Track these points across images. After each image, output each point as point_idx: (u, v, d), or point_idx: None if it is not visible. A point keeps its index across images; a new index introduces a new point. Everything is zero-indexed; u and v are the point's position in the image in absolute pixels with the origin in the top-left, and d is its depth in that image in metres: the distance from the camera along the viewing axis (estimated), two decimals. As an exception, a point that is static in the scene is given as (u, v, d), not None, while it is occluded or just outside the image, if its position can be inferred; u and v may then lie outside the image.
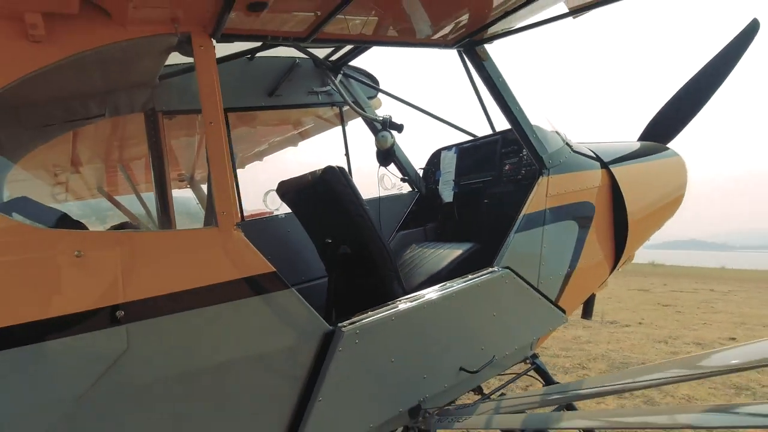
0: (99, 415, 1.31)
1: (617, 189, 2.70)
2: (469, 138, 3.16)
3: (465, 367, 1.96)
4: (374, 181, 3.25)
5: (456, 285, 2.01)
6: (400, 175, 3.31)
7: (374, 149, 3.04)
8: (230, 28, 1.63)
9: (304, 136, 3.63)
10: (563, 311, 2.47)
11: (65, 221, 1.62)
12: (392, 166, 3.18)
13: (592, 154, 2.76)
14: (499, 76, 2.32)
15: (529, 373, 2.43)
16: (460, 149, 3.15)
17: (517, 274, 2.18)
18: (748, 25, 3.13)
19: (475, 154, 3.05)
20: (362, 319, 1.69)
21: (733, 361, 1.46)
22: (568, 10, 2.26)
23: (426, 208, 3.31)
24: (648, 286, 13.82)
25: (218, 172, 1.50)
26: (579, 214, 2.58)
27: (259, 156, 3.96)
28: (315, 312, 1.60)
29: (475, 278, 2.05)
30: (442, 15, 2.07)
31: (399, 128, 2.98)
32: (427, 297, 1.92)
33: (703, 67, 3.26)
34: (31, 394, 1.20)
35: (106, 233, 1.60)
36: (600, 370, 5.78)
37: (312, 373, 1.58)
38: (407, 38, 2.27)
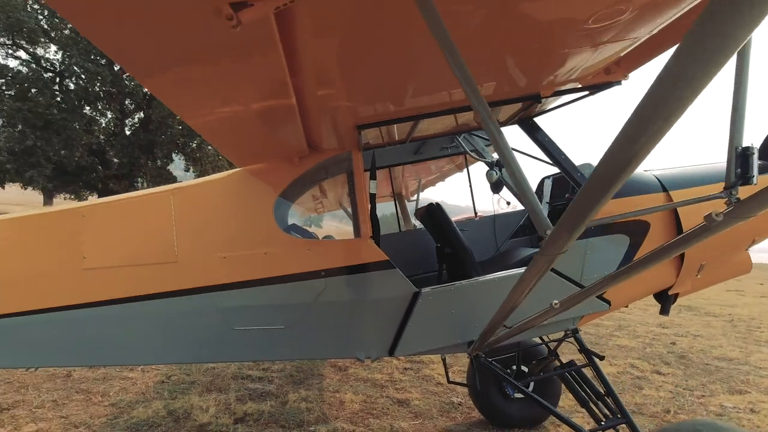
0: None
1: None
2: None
3: (509, 323, 3.13)
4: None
5: (504, 273, 3.19)
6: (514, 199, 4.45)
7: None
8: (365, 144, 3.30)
9: (444, 175, 5.12)
10: (606, 302, 3.30)
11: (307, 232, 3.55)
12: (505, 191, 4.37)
13: (656, 181, 3.44)
14: (545, 136, 3.35)
15: (568, 340, 3.38)
16: (554, 179, 4.12)
17: (555, 272, 3.19)
18: None
19: (561, 183, 3.99)
20: (434, 287, 3.11)
21: None
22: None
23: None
24: None
25: (361, 210, 3.15)
26: (630, 230, 3.35)
27: (423, 188, 5.67)
28: (408, 281, 3.09)
29: (518, 271, 3.20)
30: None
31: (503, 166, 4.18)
32: (481, 279, 3.19)
33: None
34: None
35: (320, 241, 3.45)
36: None
37: (407, 310, 3.08)
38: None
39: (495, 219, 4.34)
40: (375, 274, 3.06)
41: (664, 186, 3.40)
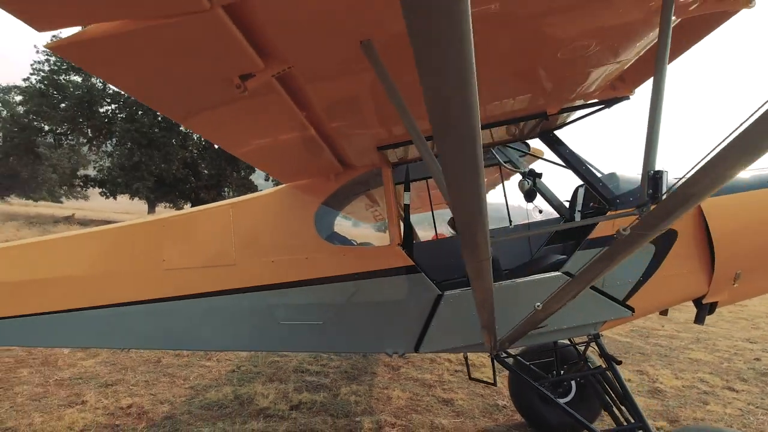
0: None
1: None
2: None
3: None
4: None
5: (522, 279, 3.38)
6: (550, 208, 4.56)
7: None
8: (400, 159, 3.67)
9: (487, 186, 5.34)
10: (629, 308, 3.35)
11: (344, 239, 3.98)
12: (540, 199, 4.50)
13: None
14: (567, 148, 3.49)
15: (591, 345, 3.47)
16: (586, 187, 4.18)
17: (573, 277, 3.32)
18: None
19: (590, 192, 4.06)
20: (456, 291, 3.38)
21: None
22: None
23: (571, 230, 4.46)
24: None
25: (390, 219, 3.51)
26: (656, 238, 3.38)
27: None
28: (432, 283, 3.39)
29: (536, 278, 3.37)
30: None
31: (538, 175, 4.32)
32: (502, 284, 3.39)
33: None
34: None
35: (354, 248, 3.86)
36: None
37: (431, 311, 3.38)
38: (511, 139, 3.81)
39: (529, 227, 4.48)
40: (401, 278, 3.40)
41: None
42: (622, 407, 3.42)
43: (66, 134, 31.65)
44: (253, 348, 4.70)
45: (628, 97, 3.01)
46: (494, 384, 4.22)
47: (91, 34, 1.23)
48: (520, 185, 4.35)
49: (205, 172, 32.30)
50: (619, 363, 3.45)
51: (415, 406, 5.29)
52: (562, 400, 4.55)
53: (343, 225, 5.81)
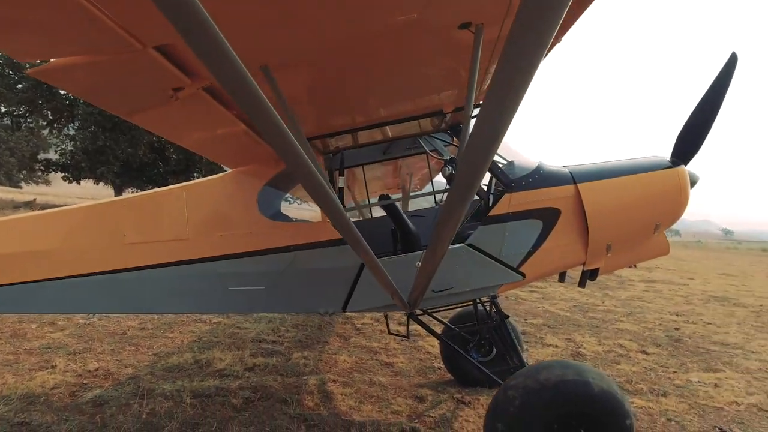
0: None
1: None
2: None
3: (436, 289, 3.97)
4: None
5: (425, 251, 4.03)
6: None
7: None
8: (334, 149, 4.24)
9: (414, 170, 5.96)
10: (521, 274, 4.05)
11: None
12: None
13: (568, 175, 4.15)
14: None
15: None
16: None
17: (475, 248, 4.00)
18: (728, 60, 3.80)
19: None
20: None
21: None
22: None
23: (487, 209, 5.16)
24: None
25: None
26: (544, 215, 4.08)
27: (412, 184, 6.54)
28: (355, 254, 4.01)
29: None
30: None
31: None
32: (409, 255, 4.02)
33: (700, 100, 4.03)
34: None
35: (291, 223, 4.44)
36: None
37: (356, 276, 3.94)
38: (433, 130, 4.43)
39: None
40: (331, 249, 4.00)
41: (574, 179, 4.12)
42: (513, 355, 4.15)
43: (24, 116, 30.76)
44: (204, 311, 5.26)
45: None
46: (407, 337, 4.91)
47: (57, 64, 1.75)
48: (443, 171, 4.99)
49: (174, 156, 32.04)
50: (507, 317, 4.17)
51: (359, 367, 5.96)
52: (486, 358, 5.32)
53: (286, 204, 6.38)
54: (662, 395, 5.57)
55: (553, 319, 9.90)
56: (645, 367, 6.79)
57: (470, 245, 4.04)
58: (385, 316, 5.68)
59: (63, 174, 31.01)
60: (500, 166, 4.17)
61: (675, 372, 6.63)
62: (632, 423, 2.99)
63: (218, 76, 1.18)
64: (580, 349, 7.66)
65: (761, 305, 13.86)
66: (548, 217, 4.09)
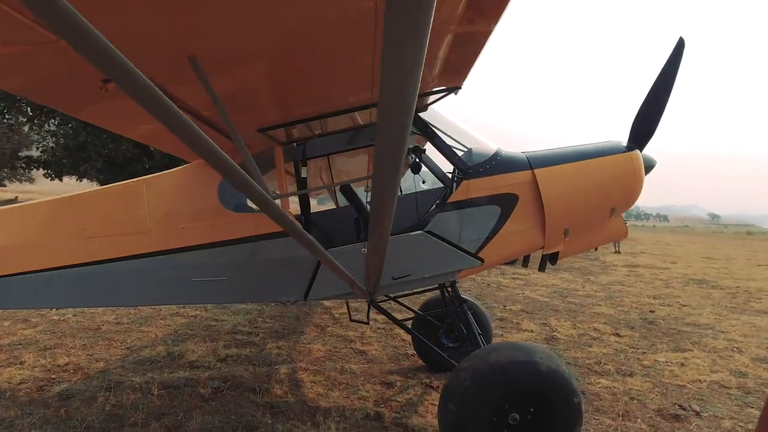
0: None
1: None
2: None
3: (395, 276, 4.03)
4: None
5: (392, 237, 4.08)
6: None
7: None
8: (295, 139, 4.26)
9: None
10: (480, 259, 4.11)
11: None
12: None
13: (525, 161, 4.21)
14: (430, 128, 4.16)
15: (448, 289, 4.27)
16: None
17: (434, 235, 4.05)
18: (676, 45, 3.87)
19: None
20: (334, 249, 4.04)
21: None
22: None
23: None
24: None
25: (282, 191, 4.13)
26: (501, 201, 4.14)
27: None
28: (317, 243, 4.06)
29: (403, 236, 4.07)
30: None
31: (423, 151, 5.02)
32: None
33: (652, 85, 4.09)
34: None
35: (253, 214, 4.46)
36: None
37: (317, 265, 3.99)
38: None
39: (416, 196, 5.18)
40: (291, 239, 4.03)
41: (531, 164, 4.17)
42: (472, 338, 4.22)
43: (3, 113, 30.23)
44: (168, 302, 5.28)
45: (460, 87, 3.71)
46: (367, 323, 4.98)
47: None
48: (406, 160, 5.04)
49: (158, 152, 31.68)
50: (464, 301, 4.25)
51: (332, 356, 6.02)
52: (455, 344, 5.41)
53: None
54: (628, 375, 5.71)
55: (532, 304, 10.04)
56: (615, 349, 6.93)
57: (428, 232, 4.09)
58: (346, 303, 5.74)
59: (45, 171, 30.56)
60: (458, 153, 4.22)
61: (644, 353, 6.77)
62: (580, 401, 3.07)
63: (108, 73, 1.21)
64: (554, 333, 7.78)
65: (738, 287, 14.16)
66: (506, 202, 4.14)
